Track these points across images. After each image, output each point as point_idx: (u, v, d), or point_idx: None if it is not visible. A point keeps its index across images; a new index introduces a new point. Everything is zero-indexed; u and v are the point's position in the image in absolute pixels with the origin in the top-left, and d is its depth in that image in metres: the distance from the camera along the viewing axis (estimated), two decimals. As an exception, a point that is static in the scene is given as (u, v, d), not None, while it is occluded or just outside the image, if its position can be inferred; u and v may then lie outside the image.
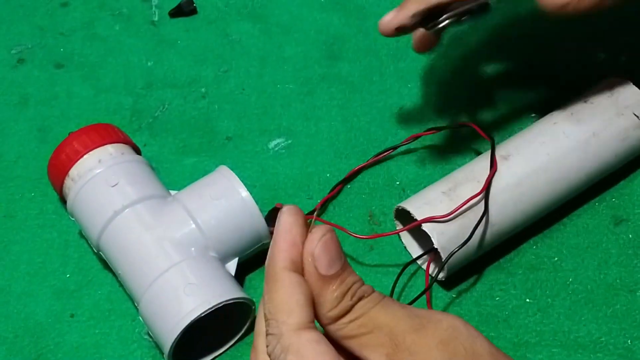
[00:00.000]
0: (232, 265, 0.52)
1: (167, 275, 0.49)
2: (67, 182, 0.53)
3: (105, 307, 0.53)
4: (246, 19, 0.66)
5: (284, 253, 0.38)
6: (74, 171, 0.53)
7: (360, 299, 0.38)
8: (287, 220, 0.39)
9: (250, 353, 0.41)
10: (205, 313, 0.48)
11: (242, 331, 0.52)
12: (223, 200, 0.51)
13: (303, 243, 0.39)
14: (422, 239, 0.52)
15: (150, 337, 0.51)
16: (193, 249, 0.50)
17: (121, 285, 0.53)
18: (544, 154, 0.53)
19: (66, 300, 0.53)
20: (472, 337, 0.37)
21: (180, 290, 0.49)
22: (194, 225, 0.51)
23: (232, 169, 0.53)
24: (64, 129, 0.60)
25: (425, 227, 0.50)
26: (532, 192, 0.52)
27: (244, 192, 0.52)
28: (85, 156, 0.53)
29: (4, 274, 0.55)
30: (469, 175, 0.52)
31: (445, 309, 0.52)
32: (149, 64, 0.64)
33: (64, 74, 0.64)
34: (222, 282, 0.50)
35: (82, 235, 0.55)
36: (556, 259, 0.54)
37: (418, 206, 0.51)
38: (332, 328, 0.38)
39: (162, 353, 0.50)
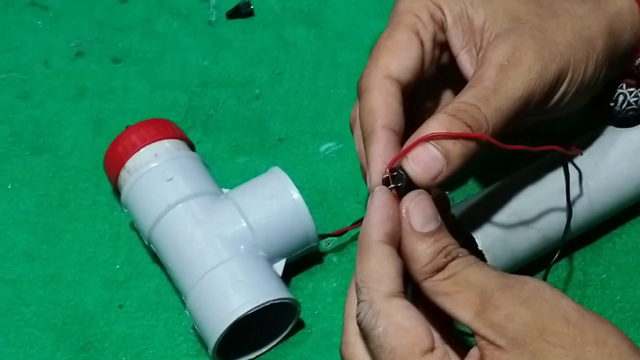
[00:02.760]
0: (279, 266, 0.52)
1: (216, 272, 0.50)
2: (123, 174, 0.54)
3: (154, 299, 0.54)
4: (302, 23, 0.67)
5: (378, 226, 0.40)
6: (130, 163, 0.54)
7: (454, 259, 0.39)
8: (382, 196, 0.40)
9: (342, 335, 0.42)
10: (252, 311, 0.49)
11: (287, 331, 0.52)
12: (274, 201, 0.52)
13: (396, 217, 0.40)
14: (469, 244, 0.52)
15: (196, 331, 0.51)
16: (242, 247, 0.51)
17: (170, 278, 0.54)
18: (592, 162, 0.52)
19: (115, 291, 0.54)
20: (557, 297, 0.38)
21: (229, 287, 0.49)
22: (244, 224, 0.51)
23: (282, 170, 0.53)
24: (119, 122, 0.61)
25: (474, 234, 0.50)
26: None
27: (296, 194, 0.52)
28: (142, 149, 0.53)
29: (55, 262, 0.56)
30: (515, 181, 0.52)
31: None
32: (204, 63, 0.65)
33: (121, 68, 0.65)
34: (269, 281, 0.50)
35: (133, 228, 0.56)
36: (604, 276, 0.54)
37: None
38: (426, 284, 0.39)
39: (206, 348, 0.50)
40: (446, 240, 0.40)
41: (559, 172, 0.51)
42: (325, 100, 0.63)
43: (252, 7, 0.67)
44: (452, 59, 0.47)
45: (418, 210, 0.40)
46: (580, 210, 0.52)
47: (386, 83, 0.44)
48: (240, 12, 0.67)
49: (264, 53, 0.66)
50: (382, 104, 0.44)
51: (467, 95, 0.43)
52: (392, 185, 0.41)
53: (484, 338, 0.37)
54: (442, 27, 0.47)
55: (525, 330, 0.37)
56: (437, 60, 0.47)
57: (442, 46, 0.47)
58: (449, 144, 0.41)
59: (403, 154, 0.41)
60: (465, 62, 0.47)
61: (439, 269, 0.39)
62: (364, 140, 0.44)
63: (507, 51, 0.44)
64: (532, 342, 0.36)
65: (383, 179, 0.41)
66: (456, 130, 0.41)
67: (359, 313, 0.39)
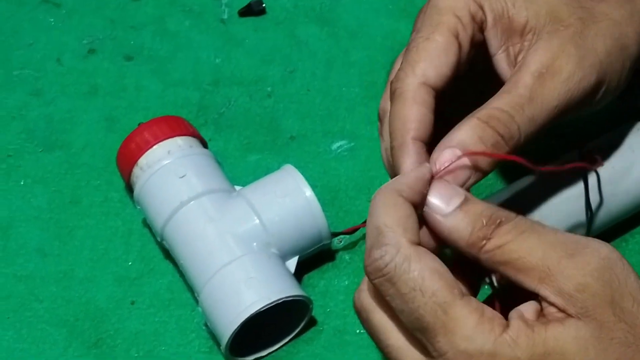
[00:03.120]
0: (292, 263, 0.52)
1: (229, 268, 0.50)
2: (136, 170, 0.54)
3: (166, 296, 0.54)
4: (314, 22, 0.67)
5: (407, 187, 0.39)
6: (143, 160, 0.54)
7: (499, 225, 0.38)
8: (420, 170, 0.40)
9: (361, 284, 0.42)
10: (265, 308, 0.49)
11: (299, 328, 0.52)
12: (287, 199, 0.52)
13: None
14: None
15: (208, 328, 0.51)
16: (255, 244, 0.51)
17: (182, 275, 0.54)
18: (609, 166, 0.52)
19: (127, 288, 0.54)
20: (627, 271, 0.37)
21: (241, 284, 0.49)
22: (257, 221, 0.51)
23: (295, 168, 0.53)
24: (131, 120, 0.61)
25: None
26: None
27: (309, 192, 0.52)
28: (155, 147, 0.54)
29: (67, 259, 0.56)
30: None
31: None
32: (217, 60, 0.65)
33: (133, 66, 0.65)
34: (282, 278, 0.50)
35: (145, 225, 0.56)
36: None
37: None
38: (483, 257, 0.38)
39: (219, 344, 0.50)
40: (479, 207, 0.39)
41: (577, 176, 0.52)
42: (337, 98, 0.63)
43: (264, 5, 0.67)
44: (486, 58, 0.46)
45: (436, 195, 0.39)
46: (597, 213, 0.52)
47: (422, 92, 0.43)
48: (253, 10, 0.67)
49: (276, 51, 0.66)
50: (416, 115, 0.42)
51: (502, 102, 0.42)
52: None
53: (552, 304, 0.37)
54: (481, 27, 0.45)
55: (596, 302, 0.36)
56: (471, 60, 0.46)
57: (479, 45, 0.46)
58: (480, 158, 0.41)
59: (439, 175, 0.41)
60: (502, 63, 0.46)
61: (487, 238, 0.38)
62: (393, 147, 0.43)
63: (547, 58, 0.43)
64: (601, 313, 0.36)
65: None
66: (488, 139, 0.41)
67: (383, 256, 0.38)
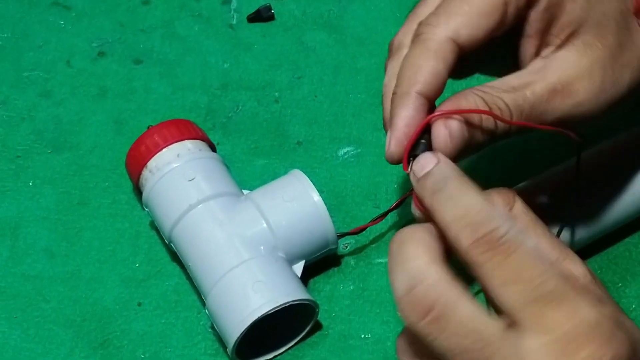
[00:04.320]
0: (298, 268, 0.53)
1: (236, 272, 0.50)
2: (145, 173, 0.54)
3: (172, 298, 0.54)
4: (322, 29, 0.68)
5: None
6: (152, 163, 0.54)
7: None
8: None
9: None
10: (272, 311, 0.49)
11: (304, 332, 0.53)
12: (295, 203, 0.52)
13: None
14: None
15: (215, 330, 0.52)
16: (262, 247, 0.51)
17: (189, 277, 0.54)
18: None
19: (134, 289, 0.55)
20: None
21: (249, 287, 0.50)
22: (265, 225, 0.52)
23: (303, 173, 0.54)
24: (140, 122, 0.62)
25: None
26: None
27: (316, 197, 0.53)
28: (164, 150, 0.54)
29: (75, 259, 0.56)
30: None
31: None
32: (225, 65, 0.66)
33: (142, 69, 0.65)
34: (289, 282, 0.51)
35: (153, 227, 0.57)
36: (620, 285, 0.54)
37: None
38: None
39: (225, 347, 0.51)
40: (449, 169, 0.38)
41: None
42: (344, 104, 0.64)
43: (273, 11, 0.68)
44: (518, 35, 0.44)
45: (415, 169, 0.39)
46: (594, 217, 0.52)
47: (446, 47, 0.41)
48: (261, 16, 0.68)
49: (284, 57, 0.66)
50: (430, 69, 0.41)
51: (507, 96, 0.41)
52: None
53: None
54: (529, 5, 0.43)
55: None
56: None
57: (518, 17, 0.43)
58: (475, 121, 0.41)
59: (431, 118, 0.40)
60: (530, 47, 0.44)
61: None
62: (395, 92, 0.42)
63: (568, 75, 0.42)
64: None
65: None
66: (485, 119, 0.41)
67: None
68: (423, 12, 0.44)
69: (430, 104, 0.42)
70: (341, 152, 0.61)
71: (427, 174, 0.38)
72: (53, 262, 0.56)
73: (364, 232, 0.56)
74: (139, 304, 0.54)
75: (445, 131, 0.40)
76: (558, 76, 0.42)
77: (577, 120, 0.43)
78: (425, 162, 0.39)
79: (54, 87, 0.64)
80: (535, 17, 0.43)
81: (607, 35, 0.43)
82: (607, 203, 0.52)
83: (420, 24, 0.42)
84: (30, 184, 0.59)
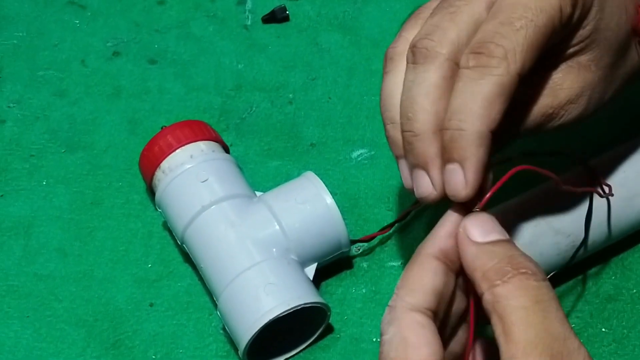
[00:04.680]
0: (310, 270, 0.53)
1: (248, 274, 0.50)
2: (158, 174, 0.54)
3: (184, 299, 0.54)
4: (336, 30, 0.67)
5: (436, 240, 0.39)
6: (165, 164, 0.54)
7: (522, 273, 0.36)
8: (453, 213, 0.39)
9: None
10: (283, 314, 0.49)
11: (316, 335, 0.53)
12: (308, 205, 0.52)
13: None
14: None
15: (226, 332, 0.52)
16: (274, 249, 0.51)
17: (201, 278, 0.54)
18: (621, 171, 0.52)
19: (146, 289, 0.55)
20: None
21: (260, 289, 0.50)
22: (277, 227, 0.52)
23: (316, 175, 0.54)
24: (153, 123, 0.62)
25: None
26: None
27: (329, 199, 0.52)
28: (177, 150, 0.54)
29: (87, 259, 0.56)
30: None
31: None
32: (239, 66, 0.65)
33: (156, 69, 0.65)
34: (301, 285, 0.51)
35: (165, 227, 0.57)
36: (635, 291, 0.53)
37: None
38: (486, 297, 0.36)
39: (236, 349, 0.51)
40: (512, 249, 0.38)
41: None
42: (358, 106, 0.63)
43: (287, 12, 0.68)
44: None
45: (476, 223, 0.38)
46: (605, 222, 0.52)
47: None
48: (276, 17, 0.68)
49: (298, 58, 0.66)
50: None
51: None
52: None
53: None
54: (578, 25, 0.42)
55: None
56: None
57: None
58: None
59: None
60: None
61: (503, 280, 0.36)
62: (407, 131, 0.40)
63: (560, 100, 0.43)
64: None
65: None
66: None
67: (384, 316, 0.39)
68: (415, 24, 0.44)
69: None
70: (355, 154, 0.61)
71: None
72: (66, 261, 0.56)
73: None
74: (151, 305, 0.54)
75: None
76: (551, 100, 0.42)
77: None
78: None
79: (69, 86, 0.64)
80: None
81: (604, 57, 0.43)
82: (620, 209, 0.52)
83: (417, 42, 0.40)
84: (44, 183, 0.59)
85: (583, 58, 0.42)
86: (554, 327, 0.35)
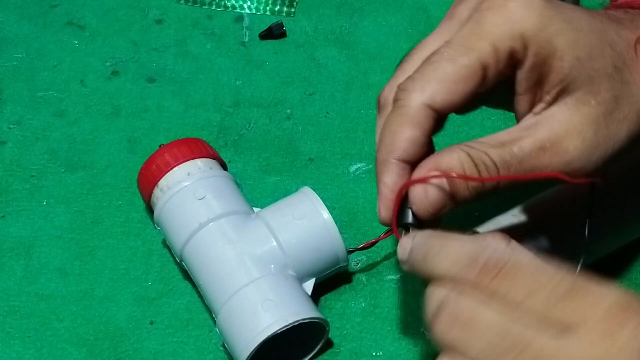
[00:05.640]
0: (309, 285, 0.53)
1: (246, 290, 0.50)
2: (156, 192, 0.55)
3: (184, 316, 0.55)
4: (333, 45, 0.68)
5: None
6: (163, 182, 0.54)
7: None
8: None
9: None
10: (282, 330, 0.49)
11: (315, 350, 0.53)
12: (305, 221, 0.52)
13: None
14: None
15: (226, 348, 0.52)
16: (272, 266, 0.52)
17: (200, 296, 0.54)
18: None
19: (146, 307, 0.55)
20: None
21: (258, 306, 0.50)
22: (275, 243, 0.52)
23: (313, 190, 0.54)
24: (152, 141, 0.62)
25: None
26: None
27: (326, 214, 0.53)
28: (175, 168, 0.54)
29: (88, 278, 0.56)
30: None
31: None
32: (237, 83, 0.66)
33: (155, 88, 0.66)
34: (299, 300, 0.51)
35: (165, 245, 0.57)
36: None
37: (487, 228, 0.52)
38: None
39: (236, 366, 0.51)
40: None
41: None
42: (356, 121, 0.64)
43: (284, 28, 0.68)
44: (510, 90, 0.43)
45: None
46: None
47: (423, 114, 0.41)
48: (273, 33, 0.68)
49: (295, 74, 0.66)
50: (408, 137, 0.42)
51: (494, 151, 0.41)
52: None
53: None
54: (515, 65, 0.42)
55: None
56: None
57: (504, 78, 0.43)
58: (458, 183, 0.41)
59: (407, 185, 0.42)
60: (524, 104, 0.43)
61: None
62: (377, 158, 0.43)
63: (558, 134, 0.41)
64: None
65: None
66: (471, 174, 0.41)
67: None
68: (408, 67, 0.44)
69: (412, 167, 0.42)
70: (352, 168, 0.61)
71: (409, 250, 0.40)
72: (67, 281, 0.56)
73: (375, 248, 0.56)
74: (151, 323, 0.54)
75: (423, 196, 0.41)
76: (547, 133, 0.41)
77: (570, 175, 0.42)
78: (405, 245, 0.40)
79: (68, 106, 0.65)
80: (522, 76, 0.42)
81: (601, 91, 0.42)
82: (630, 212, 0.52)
83: (398, 88, 0.43)
84: (45, 203, 0.60)
85: (579, 93, 0.42)
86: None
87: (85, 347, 0.54)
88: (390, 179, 0.42)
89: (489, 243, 0.38)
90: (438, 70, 0.41)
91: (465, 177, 0.40)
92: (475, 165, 0.41)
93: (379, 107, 0.46)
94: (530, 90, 0.42)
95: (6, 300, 0.55)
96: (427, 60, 0.42)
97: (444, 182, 0.41)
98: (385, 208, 0.43)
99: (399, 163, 0.42)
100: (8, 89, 0.66)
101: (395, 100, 0.43)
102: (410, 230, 0.42)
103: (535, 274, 0.35)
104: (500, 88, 0.43)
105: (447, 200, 0.41)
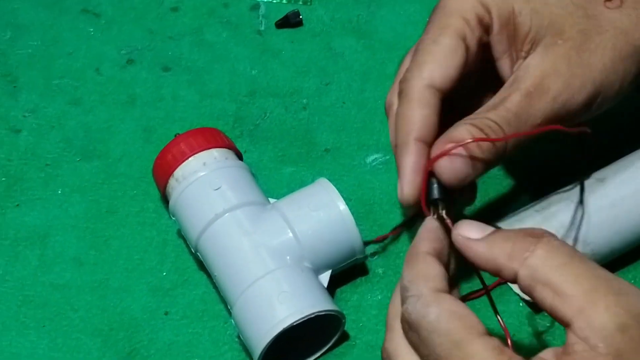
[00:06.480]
0: (325, 277, 0.52)
1: (262, 282, 0.50)
2: (171, 182, 0.54)
3: (199, 307, 0.54)
4: (350, 34, 0.67)
5: (428, 241, 0.41)
6: (178, 172, 0.54)
7: (542, 237, 0.38)
8: (432, 223, 0.42)
9: (386, 333, 0.42)
10: (297, 322, 0.49)
11: (331, 343, 0.52)
12: (321, 212, 0.52)
13: (444, 241, 0.41)
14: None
15: (241, 340, 0.52)
16: (288, 257, 0.51)
17: (215, 287, 0.54)
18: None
19: (161, 298, 0.55)
20: None
21: (274, 298, 0.50)
22: (291, 235, 0.51)
23: (329, 181, 0.53)
24: (168, 130, 0.62)
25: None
26: (628, 215, 0.51)
27: (342, 206, 0.52)
28: (190, 158, 0.54)
29: (103, 268, 0.56)
30: (564, 195, 0.52)
31: (538, 336, 0.51)
32: (253, 72, 0.65)
33: (170, 77, 0.65)
34: (315, 292, 0.50)
35: (180, 235, 0.57)
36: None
37: (509, 223, 0.52)
38: (522, 272, 0.38)
39: (251, 357, 0.50)
40: (512, 230, 0.40)
41: (606, 187, 0.51)
42: (373, 111, 0.63)
43: (301, 17, 0.68)
44: (491, 60, 0.48)
45: (467, 227, 0.40)
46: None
47: (427, 94, 0.45)
48: (290, 22, 0.68)
49: (312, 63, 0.66)
50: (420, 116, 0.44)
51: (492, 114, 0.44)
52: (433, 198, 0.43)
53: (584, 340, 0.35)
54: (487, 30, 0.47)
55: (633, 346, 0.35)
56: (479, 61, 0.47)
57: (485, 47, 0.47)
58: (474, 148, 0.43)
59: (434, 161, 0.43)
60: (505, 67, 0.47)
61: (530, 250, 0.37)
62: (396, 145, 0.45)
63: (537, 77, 0.45)
64: (633, 358, 0.35)
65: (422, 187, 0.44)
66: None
67: (407, 307, 0.39)
68: (402, 71, 0.48)
69: (430, 147, 0.44)
70: (369, 159, 0.61)
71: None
72: (81, 270, 0.56)
73: (391, 240, 0.56)
74: (166, 313, 0.54)
75: (450, 167, 0.43)
76: (529, 81, 0.45)
77: (567, 117, 0.45)
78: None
79: (84, 95, 0.64)
80: (495, 40, 0.47)
81: (565, 30, 0.45)
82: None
83: (399, 82, 0.47)
84: (59, 192, 0.60)
85: (546, 39, 0.46)
86: (599, 271, 0.37)
87: (100, 338, 0.53)
88: (411, 159, 0.44)
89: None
90: (426, 54, 0.46)
91: (479, 139, 0.42)
92: (482, 130, 0.43)
93: (386, 110, 0.50)
94: (506, 52, 0.47)
95: (21, 290, 0.55)
96: (414, 53, 0.47)
97: (462, 151, 0.43)
98: (409, 186, 0.44)
99: (417, 143, 0.44)
100: (23, 77, 0.65)
101: (400, 92, 0.46)
102: (439, 205, 0.43)
103: None
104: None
105: (470, 167, 0.43)
